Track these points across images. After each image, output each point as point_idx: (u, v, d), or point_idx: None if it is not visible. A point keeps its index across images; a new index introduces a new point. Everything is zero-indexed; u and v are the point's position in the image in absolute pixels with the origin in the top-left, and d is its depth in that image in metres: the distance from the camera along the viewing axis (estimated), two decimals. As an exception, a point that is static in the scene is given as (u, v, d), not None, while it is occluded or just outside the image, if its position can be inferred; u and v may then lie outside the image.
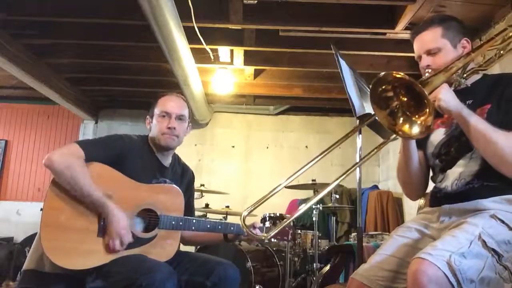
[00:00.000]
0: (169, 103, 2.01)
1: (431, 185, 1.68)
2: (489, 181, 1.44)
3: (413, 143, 1.58)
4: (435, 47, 1.54)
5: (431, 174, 1.69)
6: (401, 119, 1.36)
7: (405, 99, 1.35)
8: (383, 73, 1.31)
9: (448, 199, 1.52)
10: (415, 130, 1.34)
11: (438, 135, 1.60)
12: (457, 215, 1.46)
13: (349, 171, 1.48)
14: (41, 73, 4.41)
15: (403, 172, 1.65)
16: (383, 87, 1.34)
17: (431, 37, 1.56)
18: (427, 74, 1.50)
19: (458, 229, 1.35)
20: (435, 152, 1.60)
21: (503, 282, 1.29)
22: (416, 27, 1.66)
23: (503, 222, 1.35)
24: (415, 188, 1.68)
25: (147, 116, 2.07)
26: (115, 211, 1.74)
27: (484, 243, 1.29)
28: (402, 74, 1.29)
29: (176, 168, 2.10)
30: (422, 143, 1.65)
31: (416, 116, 1.34)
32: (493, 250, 1.29)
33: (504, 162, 1.36)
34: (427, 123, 1.29)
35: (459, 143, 1.52)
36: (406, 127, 1.36)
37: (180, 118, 2.00)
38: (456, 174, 1.52)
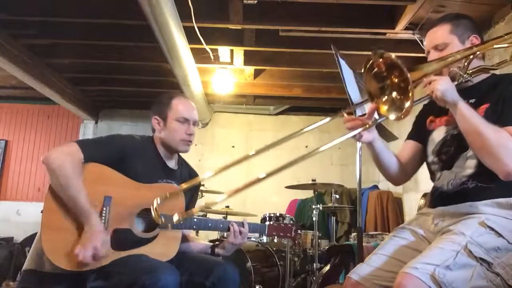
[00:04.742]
0: (188, 109, 2.01)
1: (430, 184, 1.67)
2: (483, 183, 1.43)
3: (377, 144, 1.59)
4: (441, 42, 1.55)
5: (430, 174, 1.68)
6: (386, 97, 1.35)
7: (395, 80, 1.33)
8: (379, 52, 1.31)
9: (443, 199, 1.52)
10: (393, 110, 1.33)
11: (440, 133, 1.60)
12: (450, 218, 1.46)
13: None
14: (41, 73, 4.41)
15: (376, 164, 1.66)
16: (380, 66, 1.33)
17: (439, 33, 1.57)
18: None
19: (446, 240, 1.34)
20: (435, 149, 1.60)
21: None
22: (428, 24, 1.67)
23: (492, 229, 1.34)
24: (394, 177, 1.69)
25: (155, 116, 2.00)
26: (96, 223, 1.68)
27: (470, 253, 1.28)
28: (393, 55, 1.27)
29: (183, 171, 2.09)
30: (424, 139, 1.66)
31: (399, 98, 1.32)
32: (481, 259, 1.28)
33: (490, 155, 1.34)
34: (404, 106, 1.28)
35: (457, 142, 1.51)
36: (385, 107, 1.35)
37: (195, 123, 2.04)
38: (452, 174, 1.52)
